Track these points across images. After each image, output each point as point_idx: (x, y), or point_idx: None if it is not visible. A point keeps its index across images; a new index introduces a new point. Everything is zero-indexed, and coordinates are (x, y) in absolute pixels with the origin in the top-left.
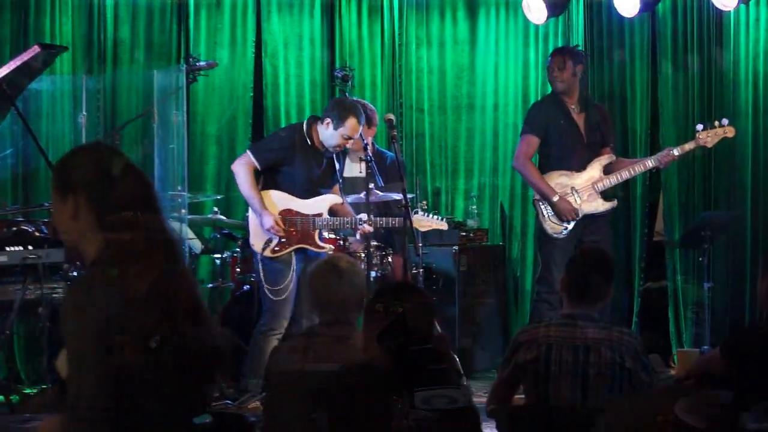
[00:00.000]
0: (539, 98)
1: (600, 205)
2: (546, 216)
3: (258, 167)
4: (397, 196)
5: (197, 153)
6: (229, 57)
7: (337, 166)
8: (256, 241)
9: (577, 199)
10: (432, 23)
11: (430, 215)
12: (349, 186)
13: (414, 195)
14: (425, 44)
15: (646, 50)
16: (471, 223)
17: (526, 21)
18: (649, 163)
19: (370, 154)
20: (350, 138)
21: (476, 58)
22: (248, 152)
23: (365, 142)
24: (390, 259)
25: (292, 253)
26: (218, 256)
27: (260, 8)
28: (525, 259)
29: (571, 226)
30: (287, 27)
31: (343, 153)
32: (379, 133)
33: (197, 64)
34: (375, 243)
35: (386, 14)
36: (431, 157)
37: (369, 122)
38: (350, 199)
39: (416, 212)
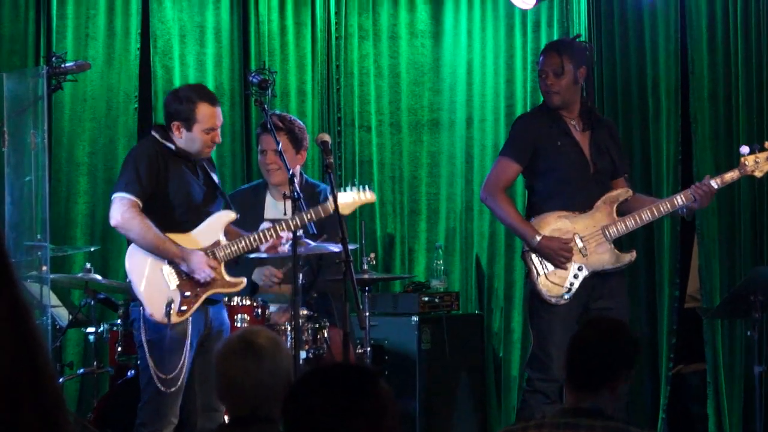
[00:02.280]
0: (528, 110)
1: (613, 259)
2: (540, 273)
3: (141, 204)
4: (336, 248)
5: (63, 189)
6: (106, 55)
7: (215, 177)
8: (155, 308)
9: (583, 251)
10: (381, 9)
11: (348, 188)
12: None
13: (358, 245)
14: (371, 37)
15: (673, 45)
16: (436, 284)
17: (510, 5)
18: (679, 200)
19: (298, 189)
20: (214, 129)
21: (442, 57)
22: (120, 194)
23: (291, 172)
24: (326, 334)
25: (189, 320)
26: (92, 330)
27: None
28: (510, 334)
29: (575, 287)
30: (184, 14)
31: (258, 188)
32: (310, 159)
33: (63, 65)
34: (306, 312)
35: None
36: (381, 192)
37: (296, 145)
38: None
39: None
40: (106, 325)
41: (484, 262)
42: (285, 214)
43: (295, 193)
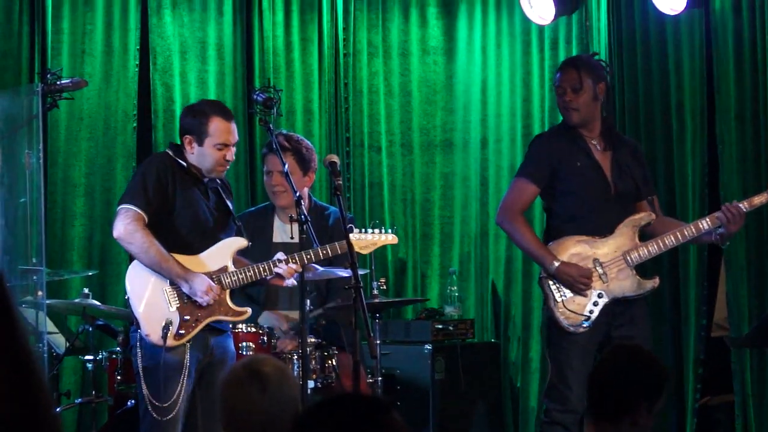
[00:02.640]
0: (546, 129)
1: (635, 285)
2: (558, 300)
3: (146, 218)
4: (345, 273)
5: (59, 210)
6: (104, 72)
7: (230, 203)
8: (151, 329)
9: (603, 277)
10: (391, 25)
11: (373, 230)
12: None
13: (368, 270)
14: (381, 54)
15: (698, 62)
16: (450, 311)
17: (527, 21)
18: (705, 224)
19: (305, 212)
20: (227, 145)
21: (455, 74)
22: (125, 206)
23: (297, 194)
24: (335, 362)
25: (188, 345)
26: (90, 358)
27: (146, 1)
28: (528, 363)
29: (595, 314)
30: (185, 30)
31: (265, 210)
32: (318, 181)
33: (58, 83)
34: (314, 340)
35: (326, 12)
36: (392, 215)
37: (304, 166)
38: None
39: (350, 230)
40: (104, 353)
41: (500, 289)
42: (292, 237)
43: (302, 216)
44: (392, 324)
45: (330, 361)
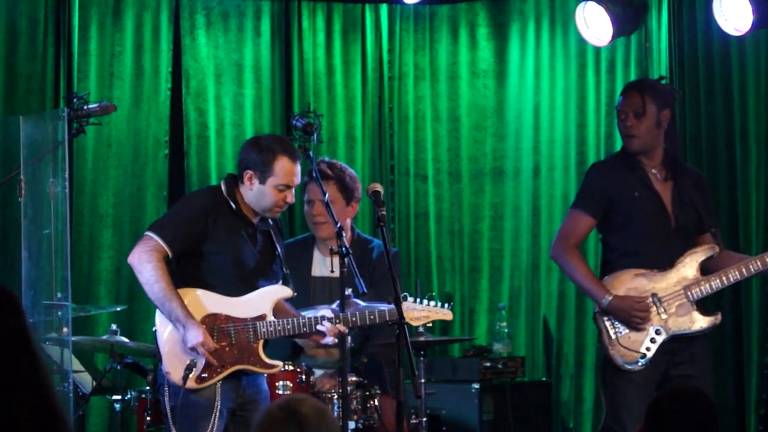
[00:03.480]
0: (602, 157)
1: (696, 321)
2: (613, 338)
3: (169, 252)
4: (387, 307)
5: (86, 242)
6: (133, 96)
7: (279, 247)
8: (173, 367)
9: (661, 312)
10: (438, 46)
11: (425, 301)
12: (320, 291)
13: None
14: (428, 77)
15: (764, 86)
16: (499, 348)
17: (582, 42)
18: None
19: (347, 244)
20: (289, 186)
21: (506, 99)
22: (149, 233)
23: (339, 225)
24: (377, 402)
25: (219, 384)
26: (118, 398)
27: (179, 21)
28: (581, 403)
29: (652, 352)
30: (220, 51)
31: (305, 242)
32: (362, 211)
33: (85, 107)
34: (355, 379)
35: (369, 33)
36: (439, 248)
37: (347, 195)
38: (315, 312)
39: (404, 298)
40: (133, 393)
41: (552, 325)
42: (332, 271)
43: (344, 249)
44: (438, 362)
45: (372, 402)
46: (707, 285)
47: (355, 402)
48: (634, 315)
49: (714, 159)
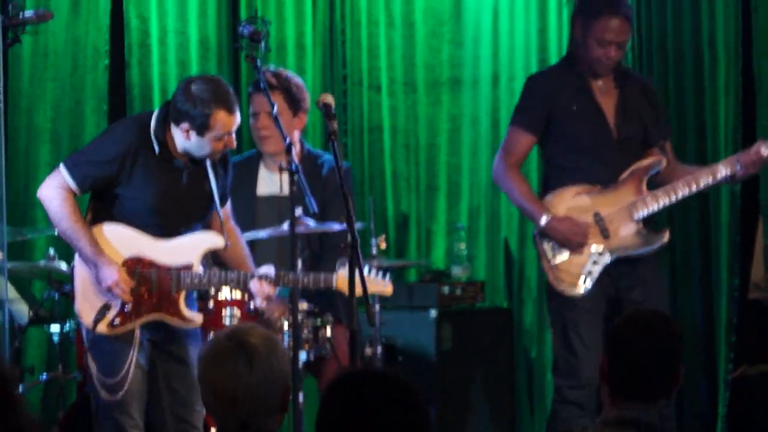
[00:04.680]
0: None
1: (641, 241)
2: (553, 262)
3: (78, 192)
4: (339, 227)
5: (22, 160)
6: (71, 3)
7: (212, 179)
8: (84, 309)
9: (604, 232)
10: None
11: (368, 273)
12: (266, 211)
13: (366, 225)
14: None
15: None
16: (458, 272)
17: None
18: (722, 169)
19: (297, 160)
20: (229, 134)
21: (464, 2)
22: (62, 167)
23: (288, 139)
24: (330, 332)
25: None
26: (56, 329)
27: None
28: (545, 331)
29: (594, 275)
30: None
31: (250, 160)
32: (311, 124)
33: (21, 15)
34: (305, 306)
35: None
36: (394, 164)
37: (294, 106)
38: (264, 233)
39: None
40: (72, 323)
41: (513, 246)
42: (281, 190)
43: (293, 165)
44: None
45: (324, 331)
46: (653, 201)
47: (306, 331)
48: (571, 237)
49: (681, 66)
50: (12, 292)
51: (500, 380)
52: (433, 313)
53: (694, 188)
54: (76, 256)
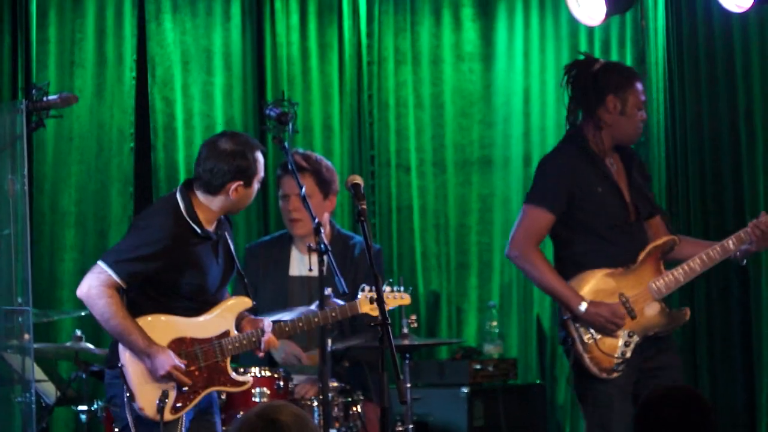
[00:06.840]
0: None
1: (665, 320)
2: (588, 343)
3: (123, 286)
4: (314, 311)
5: (47, 243)
6: (96, 86)
7: (230, 241)
8: (146, 402)
9: (631, 313)
10: (420, 29)
11: (392, 288)
12: (298, 292)
13: (397, 306)
14: (410, 62)
15: None
16: (490, 349)
17: (574, 22)
18: (731, 244)
19: (326, 241)
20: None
21: (494, 83)
22: (103, 265)
23: (317, 220)
24: (360, 409)
25: None
26: (84, 408)
27: (143, 4)
28: (577, 407)
29: (627, 355)
30: (188, 37)
31: (281, 240)
32: (340, 206)
33: (45, 99)
34: (336, 384)
35: (347, 14)
36: (423, 243)
37: (324, 189)
38: (296, 313)
39: (361, 289)
40: (100, 403)
41: (545, 324)
42: (311, 270)
43: (322, 246)
44: (424, 365)
45: (354, 408)
46: (674, 281)
47: (336, 409)
48: (611, 322)
49: (717, 144)
50: (38, 373)
51: None
52: (465, 390)
53: (707, 263)
54: (122, 357)
